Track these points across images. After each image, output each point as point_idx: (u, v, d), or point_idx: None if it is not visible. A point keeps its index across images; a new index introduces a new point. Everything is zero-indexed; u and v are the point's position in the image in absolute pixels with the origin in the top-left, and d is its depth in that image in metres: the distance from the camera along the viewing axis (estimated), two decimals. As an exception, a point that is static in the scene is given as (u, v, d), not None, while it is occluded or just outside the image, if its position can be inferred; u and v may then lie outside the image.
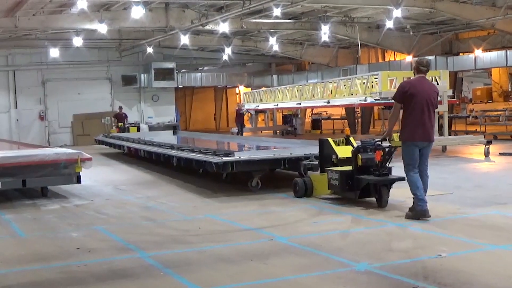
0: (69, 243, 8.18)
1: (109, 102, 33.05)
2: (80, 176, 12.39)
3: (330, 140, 10.96)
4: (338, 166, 10.45)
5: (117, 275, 6.57)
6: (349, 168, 10.09)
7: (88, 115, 31.98)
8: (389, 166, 9.92)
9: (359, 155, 9.88)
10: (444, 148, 18.17)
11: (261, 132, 33.88)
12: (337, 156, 10.62)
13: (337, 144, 10.88)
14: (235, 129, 30.14)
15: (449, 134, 19.67)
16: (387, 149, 9.73)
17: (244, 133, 29.51)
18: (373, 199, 9.91)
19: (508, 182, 12.21)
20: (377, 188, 9.72)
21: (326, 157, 10.90)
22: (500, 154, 17.10)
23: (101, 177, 15.62)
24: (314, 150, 11.74)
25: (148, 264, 6.97)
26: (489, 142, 16.83)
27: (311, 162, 11.43)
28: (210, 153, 12.97)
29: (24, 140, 27.31)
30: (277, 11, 20.65)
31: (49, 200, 12.12)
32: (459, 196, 10.53)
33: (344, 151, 10.58)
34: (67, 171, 12.25)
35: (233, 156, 11.89)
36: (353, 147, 10.31)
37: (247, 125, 33.48)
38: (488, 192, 10.90)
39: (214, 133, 29.76)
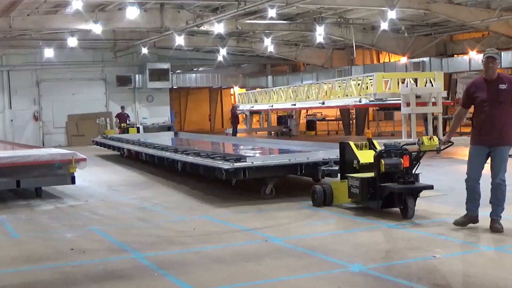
0: (63, 244, 8.17)
1: (104, 103, 32.99)
2: (74, 176, 12.37)
3: (352, 143, 10.03)
4: (360, 172, 9.56)
5: (111, 276, 6.56)
6: (371, 174, 9.23)
7: (82, 116, 31.92)
8: (415, 172, 9.07)
9: (382, 160, 8.97)
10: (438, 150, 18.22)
11: (256, 133, 33.89)
12: (358, 161, 9.72)
13: (359, 148, 9.95)
14: (230, 130, 30.17)
15: (443, 135, 19.68)
16: (414, 154, 8.95)
17: (237, 134, 29.53)
18: (398, 209, 9.03)
19: (502, 184, 12.21)
20: (402, 197, 8.83)
21: (347, 162, 9.99)
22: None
23: (95, 177, 15.59)
24: (331, 154, 11.08)
25: (142, 265, 6.96)
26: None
27: (330, 168, 10.66)
28: (219, 158, 11.87)
29: (19, 141, 27.27)
30: (272, 12, 20.63)
31: (43, 200, 12.09)
32: (454, 197, 10.50)
33: (366, 156, 9.66)
34: (62, 171, 12.23)
35: (245, 161, 11.00)
36: (376, 151, 9.40)
37: (242, 126, 33.51)
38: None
39: (214, 135, 29.70)
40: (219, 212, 10.22)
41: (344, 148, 10.13)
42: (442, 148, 8.73)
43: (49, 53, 29.30)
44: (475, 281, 5.90)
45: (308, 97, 24.48)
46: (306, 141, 18.32)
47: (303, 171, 11.04)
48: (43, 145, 28.66)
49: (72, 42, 26.10)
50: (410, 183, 8.86)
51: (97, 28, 22.57)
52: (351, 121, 32.18)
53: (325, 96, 23.24)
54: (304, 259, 6.98)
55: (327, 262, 6.79)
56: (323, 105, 23.76)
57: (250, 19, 24.03)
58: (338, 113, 33.56)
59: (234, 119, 31.03)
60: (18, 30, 24.82)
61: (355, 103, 20.95)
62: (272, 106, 28.39)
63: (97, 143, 23.46)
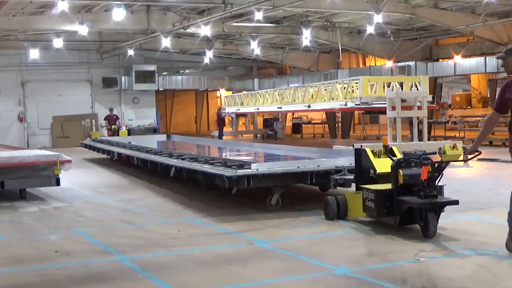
0: (47, 246, 8.12)
1: (90, 104, 32.88)
2: (59, 178, 12.31)
3: (368, 150, 9.07)
4: (377, 183, 8.62)
5: (95, 279, 6.54)
6: (388, 186, 8.26)
7: (68, 117, 31.78)
8: (439, 185, 8.14)
9: (400, 170, 8.02)
10: (423, 153, 18.30)
11: (242, 135, 33.89)
12: (375, 170, 8.74)
13: (377, 155, 8.98)
14: (216, 132, 30.18)
15: (428, 139, 19.82)
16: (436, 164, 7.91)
17: (223, 137, 29.54)
18: (417, 226, 8.08)
19: (486, 188, 12.31)
20: (423, 213, 7.83)
21: (363, 171, 9.06)
22: (479, 159, 17.23)
23: (80, 179, 15.52)
24: (344, 161, 10.27)
25: (127, 267, 6.94)
26: (468, 148, 16.93)
27: (343, 177, 9.75)
28: (220, 164, 10.86)
29: (3, 142, 26.98)
30: (258, 15, 20.68)
31: (28, 202, 12.02)
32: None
33: (384, 165, 8.62)
34: (46, 173, 12.17)
35: (250, 168, 9.99)
36: (393, 160, 8.36)
37: (228, 128, 33.51)
38: (467, 197, 10.97)
39: (201, 137, 29.66)
40: (205, 214, 10.20)
41: (360, 155, 9.21)
42: (468, 158, 7.63)
43: (34, 54, 29.14)
44: (459, 285, 5.94)
45: (294, 100, 24.52)
46: (294, 145, 18.27)
47: (314, 180, 10.11)
48: (28, 147, 28.49)
49: (58, 43, 25.98)
50: (432, 197, 7.86)
51: (83, 30, 22.47)
52: (336, 125, 32.28)
53: (311, 99, 23.28)
54: (289, 262, 6.99)
55: (312, 265, 6.80)
56: (309, 108, 23.82)
57: (236, 22, 24.06)
58: (324, 116, 33.66)
59: (220, 122, 31.04)
60: (3, 31, 24.71)
61: (341, 107, 21.00)
62: (258, 109, 28.40)
63: (85, 146, 22.68)
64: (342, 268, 6.59)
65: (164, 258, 7.31)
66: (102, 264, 7.09)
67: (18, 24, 23.34)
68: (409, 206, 7.93)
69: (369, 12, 20.85)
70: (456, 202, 8.08)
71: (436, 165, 7.89)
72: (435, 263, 6.69)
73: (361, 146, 16.46)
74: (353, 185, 9.55)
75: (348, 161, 10.14)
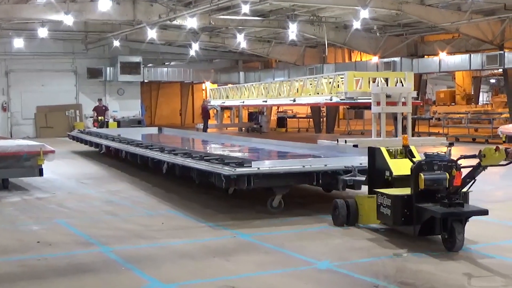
0: (29, 237, 8.09)
1: (74, 95, 32.67)
2: (42, 168, 12.26)
3: (383, 149, 8.19)
4: (393, 187, 7.83)
5: (77, 270, 6.52)
6: (407, 191, 7.43)
7: (52, 107, 31.56)
8: (466, 191, 7.39)
9: (421, 174, 7.17)
10: (407, 149, 18.37)
11: (226, 128, 33.88)
12: (391, 172, 7.92)
13: (393, 155, 8.15)
14: (201, 125, 30.13)
15: (412, 135, 19.91)
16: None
17: (208, 129, 29.50)
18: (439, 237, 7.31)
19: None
20: (447, 223, 7.03)
21: (377, 173, 8.23)
22: (462, 156, 17.32)
23: (63, 170, 15.44)
24: (353, 160, 9.53)
25: (109, 259, 6.93)
26: (451, 144, 17.02)
27: (353, 178, 9.03)
28: (216, 161, 9.99)
29: (-14, 131, 26.91)
30: (245, 8, 20.63)
31: (10, 192, 11.95)
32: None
33: (401, 166, 7.80)
34: (29, 163, 12.11)
35: (250, 166, 9.15)
36: (413, 162, 7.49)
37: (213, 121, 33.46)
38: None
39: (188, 130, 29.59)
40: (189, 208, 10.19)
41: (374, 154, 8.37)
42: (508, 162, 7.17)
43: (19, 43, 28.91)
44: (440, 280, 5.99)
45: (280, 94, 24.53)
46: (279, 139, 18.24)
47: (320, 181, 9.33)
48: (11, 136, 28.30)
49: (43, 32, 25.79)
50: (458, 206, 7.09)
51: (68, 19, 22.32)
52: (321, 119, 32.34)
53: (296, 93, 23.29)
54: (272, 255, 7.01)
55: (295, 259, 6.83)
56: (294, 103, 23.85)
57: (223, 15, 24.01)
58: (309, 110, 33.70)
59: (205, 114, 30.95)
60: (-12, 19, 24.47)
61: (326, 101, 21.04)
62: (243, 102, 28.38)
63: (73, 138, 22.06)
64: (325, 262, 6.62)
65: (147, 250, 7.31)
66: (84, 256, 7.07)
67: (2, 12, 23.13)
68: (431, 215, 7.12)
69: (356, 7, 20.86)
70: (485, 212, 7.27)
71: (471, 169, 7.18)
72: (417, 259, 6.74)
73: (345, 141, 16.60)
74: (363, 187, 9.01)
75: (358, 160, 9.44)
